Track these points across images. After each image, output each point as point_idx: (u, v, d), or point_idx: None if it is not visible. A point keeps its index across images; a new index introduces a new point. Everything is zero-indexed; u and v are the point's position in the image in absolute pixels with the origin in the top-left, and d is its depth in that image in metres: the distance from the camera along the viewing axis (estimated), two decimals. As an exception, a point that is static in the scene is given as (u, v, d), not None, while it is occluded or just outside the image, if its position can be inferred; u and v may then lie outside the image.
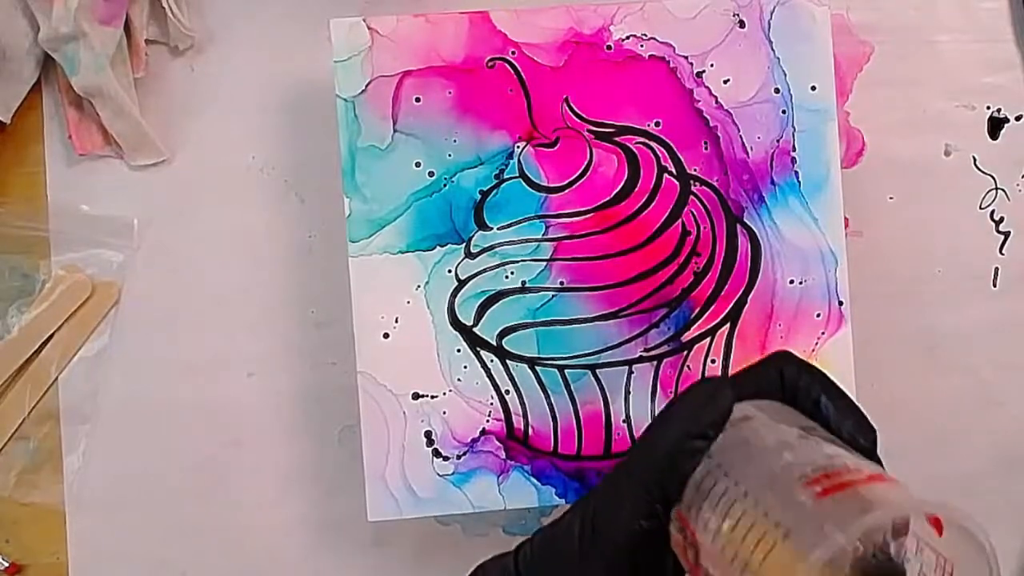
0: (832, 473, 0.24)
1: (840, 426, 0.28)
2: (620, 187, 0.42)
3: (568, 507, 0.30)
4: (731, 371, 0.42)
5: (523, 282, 0.42)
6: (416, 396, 0.41)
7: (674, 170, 0.42)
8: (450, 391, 0.42)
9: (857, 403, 0.29)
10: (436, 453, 0.42)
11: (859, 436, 0.28)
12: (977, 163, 0.49)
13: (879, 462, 0.28)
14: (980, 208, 0.49)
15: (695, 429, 0.27)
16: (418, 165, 0.42)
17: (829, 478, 0.24)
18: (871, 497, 0.23)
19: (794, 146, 0.42)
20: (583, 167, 0.42)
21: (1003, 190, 0.49)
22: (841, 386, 0.29)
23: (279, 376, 0.47)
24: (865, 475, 0.24)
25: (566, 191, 0.42)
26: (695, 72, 0.42)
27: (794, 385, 0.29)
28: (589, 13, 0.42)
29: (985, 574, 0.23)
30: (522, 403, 0.42)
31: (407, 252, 0.42)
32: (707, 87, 0.42)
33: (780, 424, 0.28)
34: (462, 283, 0.42)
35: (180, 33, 0.46)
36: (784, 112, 0.42)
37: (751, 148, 0.42)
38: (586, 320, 0.42)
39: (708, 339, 0.42)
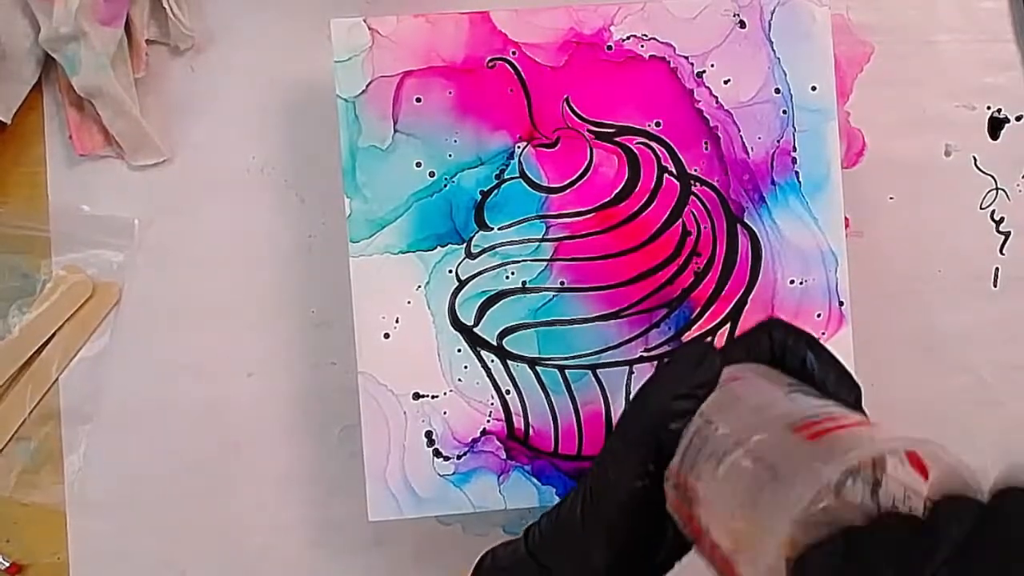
0: (818, 420, 0.25)
1: (825, 380, 0.29)
2: (620, 187, 0.42)
3: (572, 489, 0.31)
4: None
5: (524, 282, 0.42)
6: (416, 396, 0.41)
7: (674, 170, 0.42)
8: (451, 391, 0.42)
9: (843, 362, 0.29)
10: (436, 453, 0.42)
11: (843, 391, 0.29)
12: (977, 163, 0.49)
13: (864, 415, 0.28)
14: (980, 208, 0.49)
15: (683, 390, 0.28)
16: (418, 165, 0.42)
17: (817, 424, 0.25)
18: (857, 437, 0.24)
19: (794, 146, 0.42)
20: (583, 167, 0.42)
21: (1003, 190, 0.49)
22: (829, 348, 0.30)
23: (279, 376, 0.47)
24: (851, 421, 0.25)
25: (566, 191, 0.42)
26: (695, 72, 0.42)
27: (783, 346, 0.30)
28: (589, 13, 0.42)
29: None
30: (522, 403, 0.42)
31: (408, 252, 0.42)
32: (707, 87, 0.42)
33: (768, 382, 0.28)
34: (463, 283, 0.42)
35: (180, 33, 0.46)
36: (784, 112, 0.42)
37: (751, 148, 0.42)
38: (586, 320, 0.42)
39: (708, 339, 0.42)
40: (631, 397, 0.29)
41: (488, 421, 0.42)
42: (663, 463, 0.28)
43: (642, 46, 0.42)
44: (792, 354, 0.29)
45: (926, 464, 0.24)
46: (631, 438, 0.28)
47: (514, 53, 0.42)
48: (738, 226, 0.42)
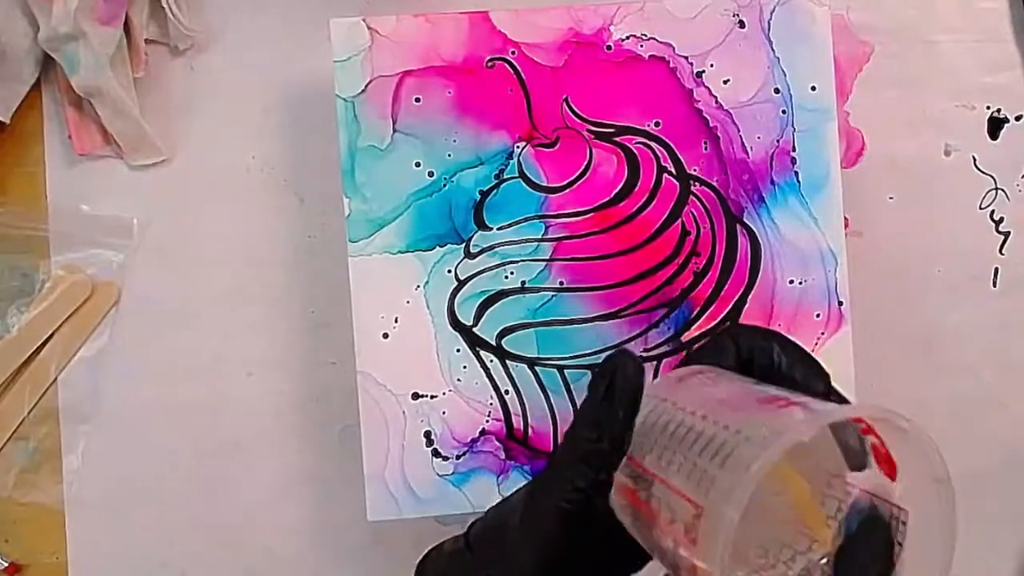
0: (787, 397, 0.25)
1: (793, 372, 0.28)
2: (620, 187, 0.42)
3: (515, 490, 0.31)
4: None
5: (523, 282, 0.42)
6: (416, 396, 0.41)
7: (674, 170, 0.42)
8: (450, 391, 0.42)
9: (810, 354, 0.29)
10: (436, 453, 0.42)
11: (812, 382, 0.28)
12: (977, 163, 0.49)
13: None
14: (980, 208, 0.49)
15: (611, 418, 0.27)
16: (418, 165, 0.42)
17: (786, 399, 0.25)
18: (830, 406, 0.24)
19: (794, 146, 0.42)
20: (583, 167, 0.42)
21: (1003, 190, 0.49)
22: (797, 341, 0.29)
23: (279, 376, 0.47)
24: (820, 397, 0.25)
25: (566, 191, 0.42)
26: (695, 72, 0.42)
27: (750, 347, 0.29)
28: (589, 13, 0.42)
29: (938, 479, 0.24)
30: (522, 403, 0.42)
31: (407, 252, 0.42)
32: (707, 87, 0.42)
33: (732, 378, 0.28)
34: (462, 283, 0.42)
35: (180, 33, 0.46)
36: (784, 112, 0.42)
37: (751, 148, 0.42)
38: (586, 320, 0.42)
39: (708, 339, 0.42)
40: (577, 409, 0.29)
41: (487, 421, 0.42)
42: (605, 470, 0.27)
43: (641, 46, 0.42)
44: (760, 352, 0.29)
45: (885, 441, 0.24)
46: (572, 450, 0.28)
47: (513, 53, 0.42)
48: (737, 226, 0.42)
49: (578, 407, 0.29)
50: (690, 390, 0.28)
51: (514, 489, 0.32)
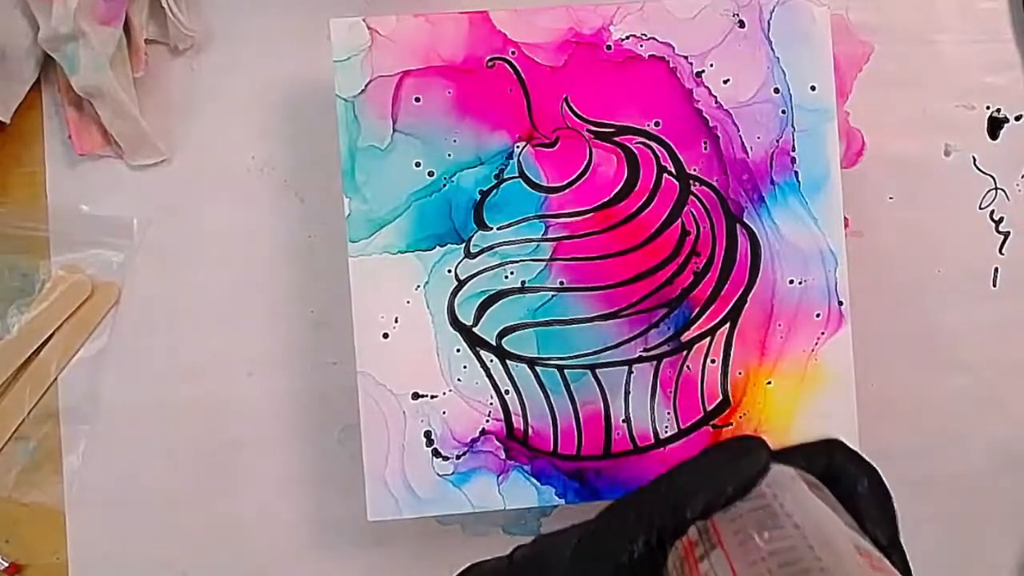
0: (880, 559, 0.24)
1: (866, 515, 0.28)
2: (620, 187, 0.42)
3: (573, 524, 0.30)
4: (730, 368, 0.42)
5: (523, 282, 0.42)
6: (416, 396, 0.41)
7: (674, 170, 0.42)
8: (450, 391, 0.42)
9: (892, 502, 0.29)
10: (436, 453, 0.42)
11: (880, 529, 0.27)
12: (977, 163, 0.49)
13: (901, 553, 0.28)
14: (980, 208, 0.49)
15: (719, 483, 0.26)
16: (418, 165, 0.42)
17: (880, 561, 0.24)
18: None
19: (794, 146, 0.42)
20: (583, 167, 0.42)
21: (1003, 190, 0.49)
22: (884, 482, 0.28)
23: (279, 376, 0.47)
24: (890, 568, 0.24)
25: (566, 191, 0.42)
26: (695, 72, 0.42)
27: (840, 468, 0.28)
28: (589, 13, 0.42)
29: None
30: (522, 403, 0.42)
31: (407, 252, 0.42)
32: (707, 87, 0.42)
33: (822, 497, 0.28)
34: (462, 283, 0.42)
35: (180, 33, 0.46)
36: (784, 112, 0.42)
37: (751, 148, 0.42)
38: (586, 320, 0.42)
39: (708, 339, 0.42)
40: (666, 473, 0.29)
41: (487, 421, 0.42)
42: (669, 538, 0.26)
43: (641, 46, 0.42)
44: (848, 478, 0.28)
45: None
46: (646, 513, 0.27)
47: (513, 53, 0.42)
48: (737, 226, 0.42)
49: (674, 472, 0.27)
50: (796, 497, 0.27)
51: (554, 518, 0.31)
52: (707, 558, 0.25)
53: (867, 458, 0.29)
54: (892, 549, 0.27)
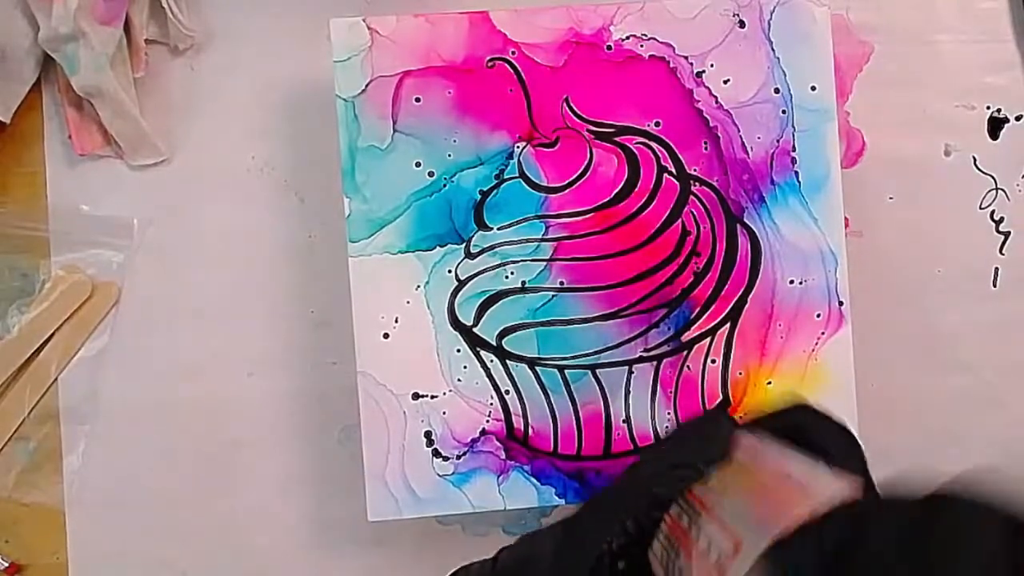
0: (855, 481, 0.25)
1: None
2: (620, 187, 0.42)
3: (553, 523, 0.30)
4: (730, 368, 0.42)
5: (523, 282, 0.42)
6: (416, 396, 0.41)
7: (674, 170, 0.42)
8: (450, 391, 0.42)
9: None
10: (436, 453, 0.42)
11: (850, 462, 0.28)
12: (977, 163, 0.49)
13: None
14: (980, 208, 0.49)
15: (686, 461, 0.27)
16: (418, 165, 0.42)
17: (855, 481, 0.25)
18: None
19: (794, 146, 0.42)
20: (583, 167, 0.42)
21: (1003, 190, 0.49)
22: (856, 436, 0.29)
23: (279, 376, 0.47)
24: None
25: (566, 191, 0.42)
26: (695, 72, 0.42)
27: (810, 429, 0.29)
28: (589, 13, 0.42)
29: None
30: (522, 403, 0.42)
31: (407, 252, 0.42)
32: (707, 87, 0.42)
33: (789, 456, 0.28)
34: (462, 283, 0.42)
35: (180, 33, 0.46)
36: (784, 112, 0.42)
37: (751, 148, 0.42)
38: (586, 320, 0.42)
39: (708, 339, 0.42)
40: (631, 464, 0.29)
41: (487, 421, 0.42)
42: (650, 523, 0.27)
43: (641, 46, 0.42)
44: (818, 436, 0.29)
45: None
46: (622, 501, 0.28)
47: (514, 53, 0.42)
48: (738, 226, 0.42)
49: (642, 457, 0.28)
50: (767, 455, 0.27)
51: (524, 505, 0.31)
52: (696, 526, 0.25)
53: (826, 411, 0.30)
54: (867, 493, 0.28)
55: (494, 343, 0.42)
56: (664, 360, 0.42)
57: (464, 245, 0.42)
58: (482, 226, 0.42)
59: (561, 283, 0.42)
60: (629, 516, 0.27)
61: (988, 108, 0.49)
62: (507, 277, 0.42)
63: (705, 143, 0.42)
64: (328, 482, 0.47)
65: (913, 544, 0.20)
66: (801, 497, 0.25)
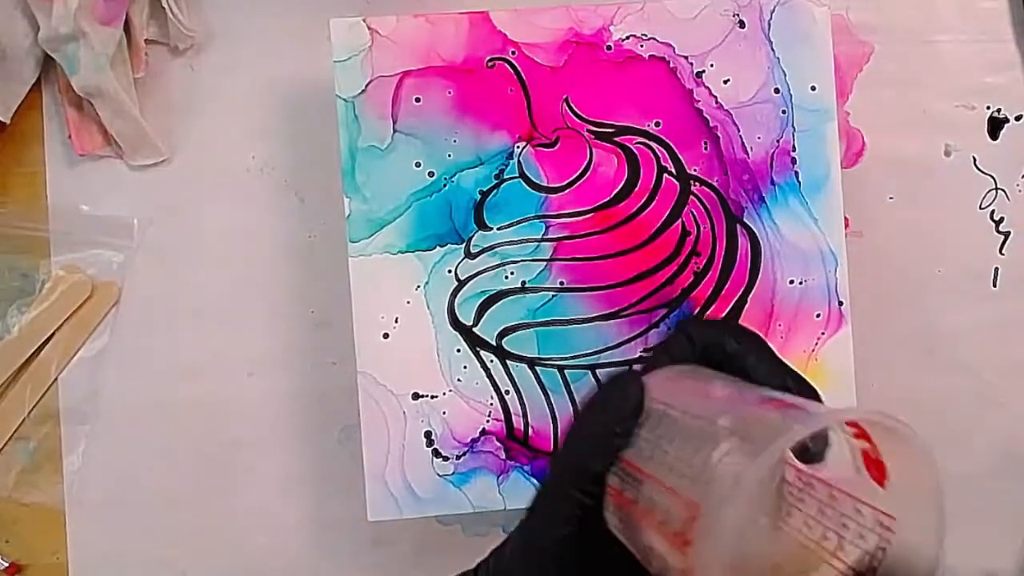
0: (783, 399, 0.25)
1: (745, 364, 0.29)
2: (620, 187, 0.42)
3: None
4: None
5: (523, 282, 0.42)
6: (416, 396, 0.41)
7: (674, 170, 0.42)
8: (450, 391, 0.42)
9: (786, 362, 0.29)
10: (436, 453, 0.42)
11: (763, 368, 0.29)
12: (977, 163, 0.49)
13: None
14: (980, 208, 0.49)
15: (607, 429, 0.27)
16: (418, 165, 0.42)
17: (781, 400, 0.25)
18: (828, 408, 0.25)
19: (794, 146, 0.42)
20: (583, 167, 0.42)
21: (1003, 190, 0.49)
22: (753, 330, 0.30)
23: (279, 376, 0.47)
24: (801, 401, 0.25)
25: (566, 191, 0.42)
26: (695, 72, 0.42)
27: (703, 341, 0.30)
28: (589, 13, 0.42)
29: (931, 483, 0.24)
30: (522, 403, 0.42)
31: (407, 252, 0.42)
32: (707, 87, 0.42)
33: (697, 378, 0.29)
34: (462, 283, 0.42)
35: (180, 33, 0.46)
36: (784, 112, 0.42)
37: (751, 148, 0.42)
38: (586, 320, 0.42)
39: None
40: (558, 444, 0.29)
41: (487, 421, 0.42)
42: (595, 497, 0.27)
43: (641, 46, 0.42)
44: (714, 346, 0.30)
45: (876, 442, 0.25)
46: (560, 484, 0.28)
47: (514, 53, 0.42)
48: (737, 226, 0.42)
49: (566, 437, 0.28)
50: (683, 391, 0.28)
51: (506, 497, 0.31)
52: (639, 493, 0.25)
53: (721, 319, 0.30)
54: (794, 386, 0.29)
55: (494, 343, 0.42)
56: (664, 360, 0.42)
57: (464, 245, 0.42)
58: (482, 226, 0.42)
59: (561, 283, 0.42)
60: (572, 502, 0.27)
61: (988, 108, 0.49)
62: (507, 277, 0.42)
63: (705, 143, 0.42)
64: (328, 482, 0.47)
65: None
66: (721, 407, 0.25)
